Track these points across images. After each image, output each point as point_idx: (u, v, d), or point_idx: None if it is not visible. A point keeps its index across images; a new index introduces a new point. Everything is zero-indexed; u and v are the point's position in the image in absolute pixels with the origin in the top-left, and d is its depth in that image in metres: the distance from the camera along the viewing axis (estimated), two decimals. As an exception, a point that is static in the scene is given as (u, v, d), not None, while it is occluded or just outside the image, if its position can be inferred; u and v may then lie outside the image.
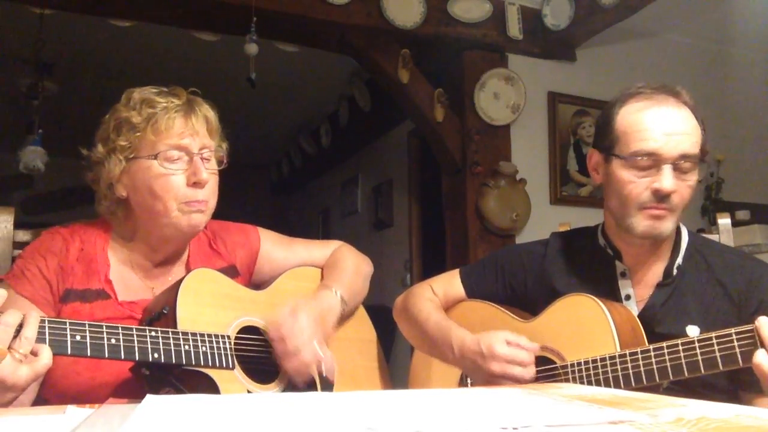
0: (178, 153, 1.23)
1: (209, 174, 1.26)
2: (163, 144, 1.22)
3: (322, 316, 1.32)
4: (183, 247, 1.34)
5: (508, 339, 1.30)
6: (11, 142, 4.19)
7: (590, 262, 1.41)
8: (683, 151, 1.24)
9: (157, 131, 1.22)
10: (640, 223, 1.27)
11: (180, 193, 1.22)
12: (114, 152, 1.24)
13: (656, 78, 1.35)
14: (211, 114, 1.31)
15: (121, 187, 1.25)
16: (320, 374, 1.27)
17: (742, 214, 3.56)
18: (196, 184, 1.23)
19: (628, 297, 1.34)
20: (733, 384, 1.27)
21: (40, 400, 1.16)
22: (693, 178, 1.26)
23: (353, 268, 1.49)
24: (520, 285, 1.48)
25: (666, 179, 1.23)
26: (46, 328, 0.98)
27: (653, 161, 1.25)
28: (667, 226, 1.27)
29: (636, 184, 1.26)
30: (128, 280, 1.28)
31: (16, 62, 3.99)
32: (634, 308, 1.33)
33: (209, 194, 1.27)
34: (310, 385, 1.26)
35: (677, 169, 1.24)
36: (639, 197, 1.26)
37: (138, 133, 1.22)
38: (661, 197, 1.24)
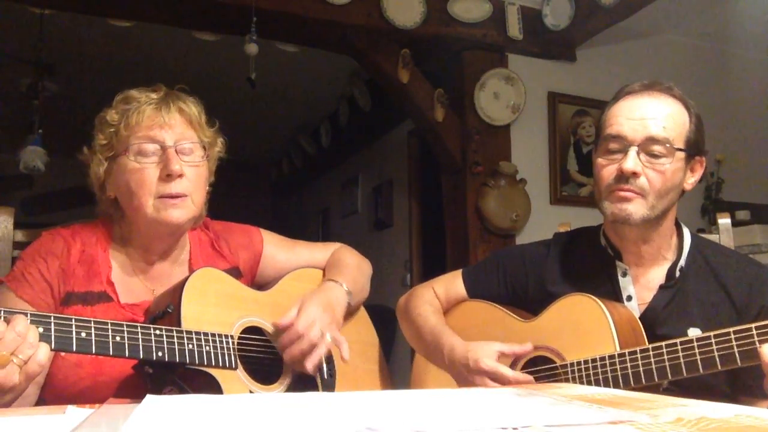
0: (152, 146, 1.20)
1: (189, 166, 1.22)
2: (134, 138, 1.21)
3: (330, 304, 1.31)
4: (174, 244, 1.31)
5: (501, 350, 1.30)
6: (11, 142, 4.19)
7: (592, 262, 1.41)
8: (649, 134, 1.24)
9: (129, 125, 1.21)
10: (609, 206, 1.29)
11: (153, 188, 1.20)
12: (95, 153, 1.25)
13: (656, 78, 1.34)
14: (190, 107, 1.26)
15: (109, 188, 1.26)
16: (321, 373, 1.27)
17: (742, 214, 3.56)
18: (169, 177, 1.19)
19: (629, 298, 1.34)
20: (733, 388, 1.27)
21: (41, 401, 1.16)
22: (667, 164, 1.25)
23: (355, 265, 1.49)
24: (522, 285, 1.47)
25: (628, 160, 1.24)
26: (52, 324, 0.98)
27: (621, 145, 1.26)
28: (636, 209, 1.26)
29: (606, 168, 1.29)
30: (129, 282, 1.28)
31: (16, 62, 3.99)
32: (635, 309, 1.33)
33: (188, 187, 1.22)
34: (311, 386, 1.26)
35: (646, 152, 1.25)
36: (607, 180, 1.28)
37: (112, 129, 1.23)
38: (624, 178, 1.25)
